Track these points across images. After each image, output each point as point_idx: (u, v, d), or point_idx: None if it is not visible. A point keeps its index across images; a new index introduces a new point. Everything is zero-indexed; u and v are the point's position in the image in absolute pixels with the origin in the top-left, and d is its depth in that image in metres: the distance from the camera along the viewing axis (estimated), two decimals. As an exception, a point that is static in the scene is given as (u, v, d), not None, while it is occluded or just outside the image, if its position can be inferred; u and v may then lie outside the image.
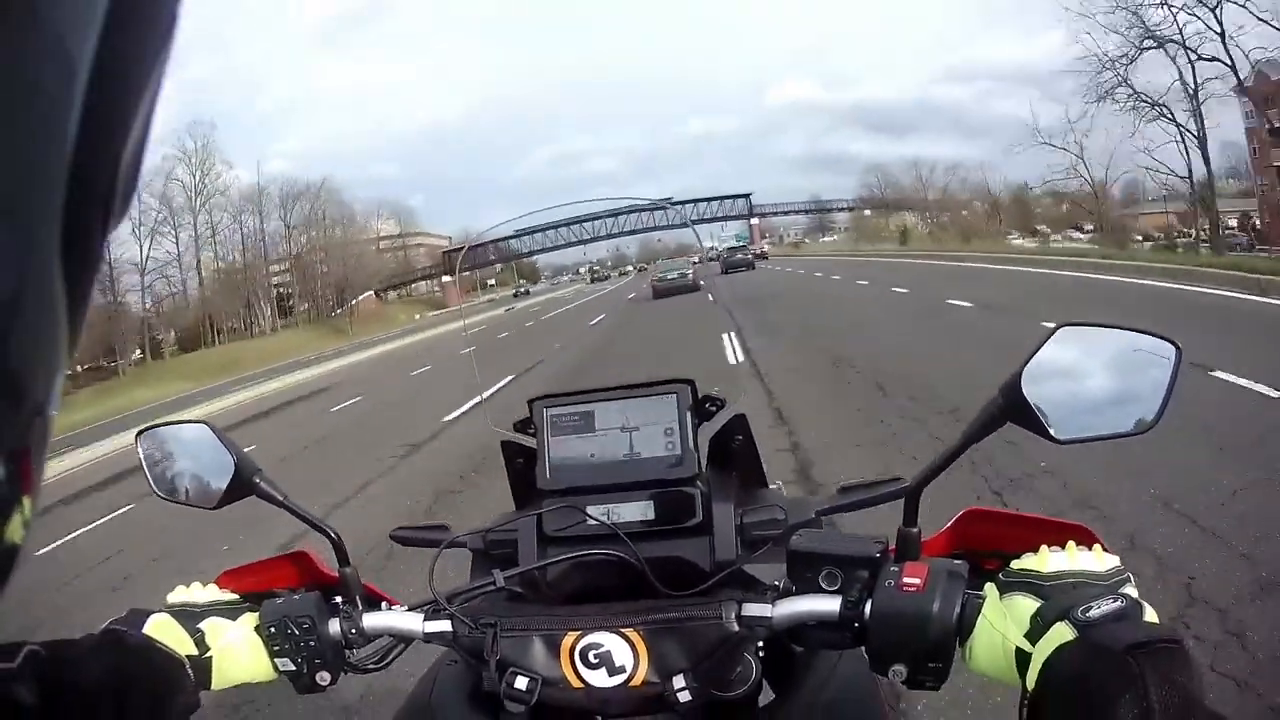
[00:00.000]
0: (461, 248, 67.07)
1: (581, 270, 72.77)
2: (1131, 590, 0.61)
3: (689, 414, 0.84)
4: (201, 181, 49.93)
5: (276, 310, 55.94)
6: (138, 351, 45.90)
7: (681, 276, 22.10)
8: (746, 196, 69.69)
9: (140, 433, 0.89)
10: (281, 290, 57.74)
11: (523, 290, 58.90)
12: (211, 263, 52.35)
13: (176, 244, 48.41)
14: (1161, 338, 0.65)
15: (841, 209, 74.38)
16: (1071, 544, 0.65)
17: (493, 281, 75.42)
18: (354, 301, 62.05)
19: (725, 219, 68.49)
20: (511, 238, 68.55)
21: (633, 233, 65.69)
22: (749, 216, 69.94)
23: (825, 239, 78.56)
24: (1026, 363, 0.65)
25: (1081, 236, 39.61)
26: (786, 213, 72.84)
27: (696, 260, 32.41)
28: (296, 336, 48.21)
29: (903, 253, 33.30)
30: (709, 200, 68.87)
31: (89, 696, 0.64)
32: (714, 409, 0.86)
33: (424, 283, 68.68)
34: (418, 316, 54.30)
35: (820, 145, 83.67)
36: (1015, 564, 0.65)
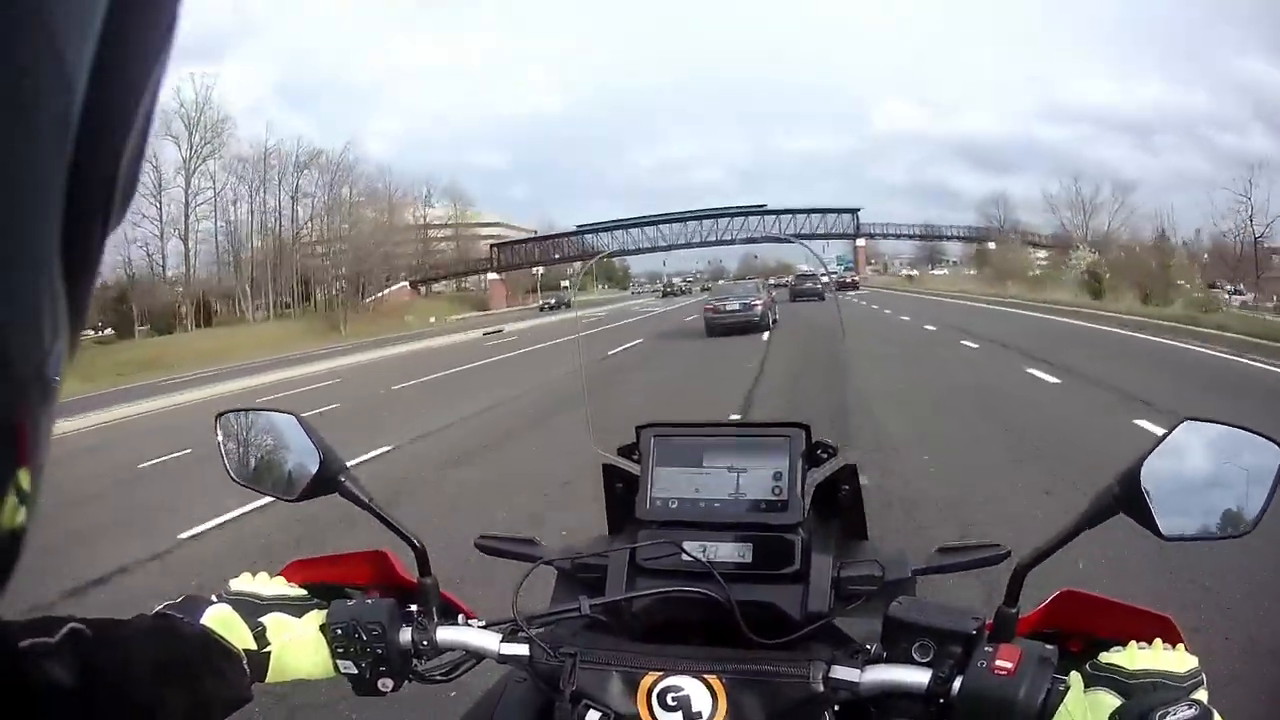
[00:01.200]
0: (511, 241, 58.15)
1: (658, 282, 63.59)
2: (1203, 695, 0.62)
3: (800, 460, 0.83)
4: (200, 139, 42.45)
5: (273, 296, 47.52)
6: (101, 327, 38.30)
7: (745, 309, 15.92)
8: (854, 212, 58.16)
9: (220, 415, 0.86)
10: (298, 273, 49.51)
11: (551, 304, 47.08)
12: (210, 236, 44.70)
13: (159, 211, 40.91)
14: (1270, 439, 0.66)
15: (958, 238, 62.61)
16: (1158, 641, 0.66)
17: (566, 283, 66.40)
18: (383, 293, 53.84)
19: (828, 237, 57.30)
20: (572, 234, 59.37)
21: (722, 243, 55.12)
22: (854, 236, 58.53)
23: (936, 271, 67.72)
24: (1147, 455, 0.65)
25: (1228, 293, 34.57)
26: (897, 235, 61.05)
27: (777, 285, 26.26)
28: (279, 330, 39.57)
29: (1098, 310, 20.11)
30: (810, 212, 57.67)
31: (130, 682, 0.62)
32: (825, 456, 0.85)
33: (482, 277, 59.63)
34: (432, 320, 45.18)
35: (923, 175, 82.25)
36: (1104, 657, 0.66)
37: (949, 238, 62.43)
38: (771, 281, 27.44)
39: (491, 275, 56.35)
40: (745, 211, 56.14)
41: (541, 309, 45.23)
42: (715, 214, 56.17)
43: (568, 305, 43.54)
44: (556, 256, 59.91)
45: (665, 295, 54.94)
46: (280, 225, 47.86)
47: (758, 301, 16.01)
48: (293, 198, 47.44)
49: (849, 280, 50.01)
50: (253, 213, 46.41)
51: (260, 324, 42.67)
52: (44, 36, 0.17)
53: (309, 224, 49.14)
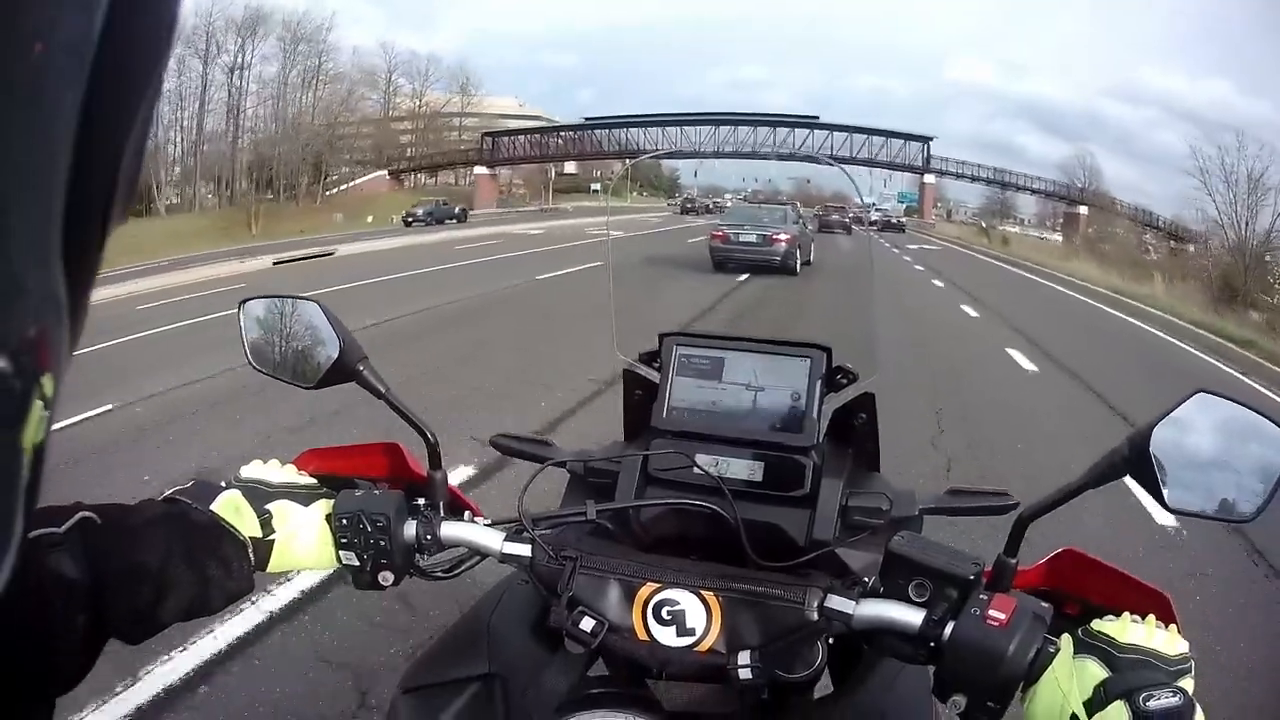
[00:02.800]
0: (506, 132, 48.81)
1: (676, 197, 54.25)
2: (1189, 683, 0.61)
3: (819, 382, 0.82)
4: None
5: (197, 184, 39.63)
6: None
7: (764, 243, 11.69)
8: (925, 141, 47.63)
9: (244, 302, 0.86)
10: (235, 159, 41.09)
11: (419, 217, 33.98)
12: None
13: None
14: None
15: (1044, 193, 52.15)
16: (1151, 618, 0.66)
17: (596, 187, 57.31)
18: (348, 185, 45.46)
19: (890, 166, 47.26)
20: (577, 127, 49.59)
21: (757, 156, 45.42)
22: (923, 170, 48.31)
23: (1006, 228, 58.04)
24: (1159, 420, 0.65)
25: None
26: (973, 178, 50.42)
27: (816, 217, 20.97)
28: (187, 225, 31.37)
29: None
30: (871, 133, 47.34)
31: (137, 571, 0.62)
32: (845, 382, 0.84)
33: (468, 170, 50.79)
34: (369, 219, 36.72)
35: (990, 129, 75.75)
36: (1096, 624, 0.65)
37: (1034, 190, 51.93)
38: (815, 211, 22.95)
39: (479, 169, 47.33)
40: (793, 122, 45.94)
41: (407, 223, 33.09)
42: (754, 120, 46.19)
43: (456, 218, 33.20)
44: (568, 151, 50.71)
45: (685, 212, 45.91)
46: (233, 99, 39.47)
47: (783, 235, 12.04)
48: (233, 70, 38.76)
49: (893, 221, 40.26)
50: (202, 87, 38.07)
51: (173, 217, 34.55)
52: (44, 37, 0.17)
53: (261, 100, 40.61)
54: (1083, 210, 50.41)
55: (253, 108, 42.73)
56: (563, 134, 49.53)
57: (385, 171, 49.28)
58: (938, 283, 15.29)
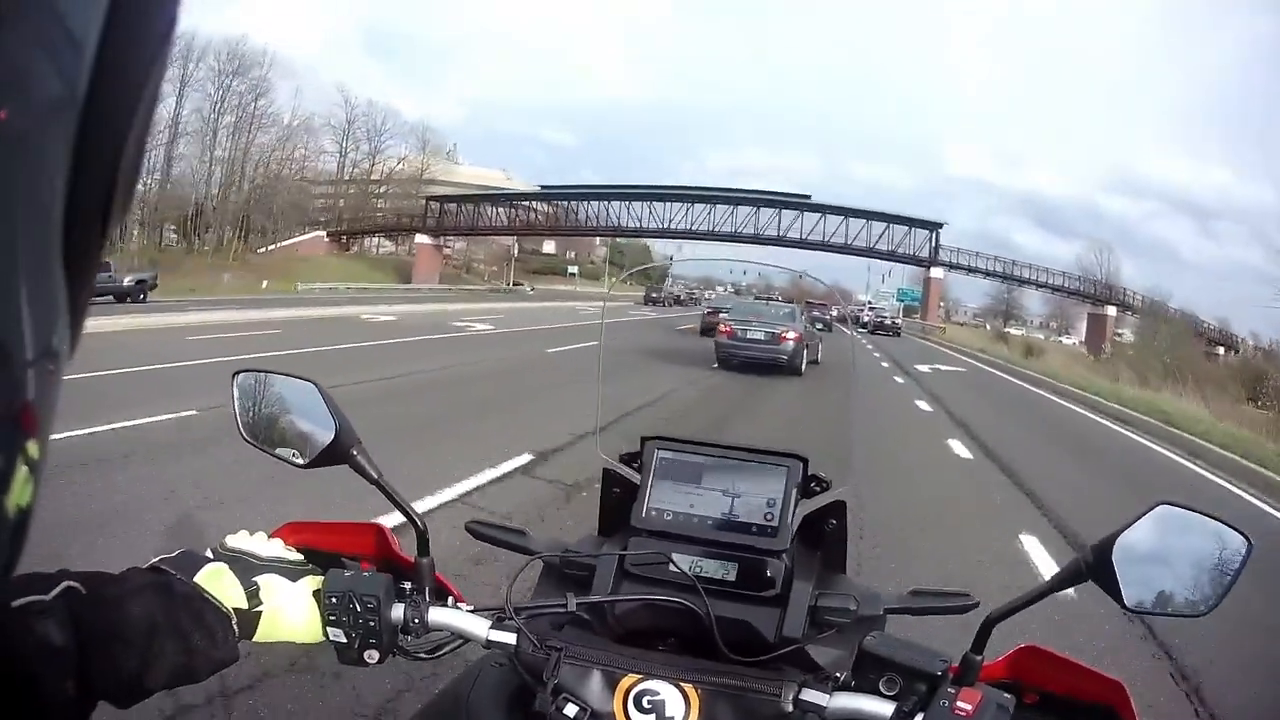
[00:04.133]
0: (450, 198, 43.44)
1: (669, 287, 48.62)
2: None
3: (795, 489, 0.86)
4: None
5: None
6: None
7: (771, 340, 12.21)
8: (934, 228, 41.98)
9: (237, 373, 0.86)
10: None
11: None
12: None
13: None
14: (1239, 531, 0.70)
15: (1072, 293, 46.08)
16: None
17: (573, 269, 51.89)
18: (280, 244, 40.16)
19: (891, 257, 41.43)
20: (534, 196, 43.87)
21: (737, 239, 39.73)
22: (929, 262, 42.45)
23: (1010, 330, 52.06)
24: (1122, 530, 0.70)
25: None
26: (986, 272, 44.73)
27: (822, 316, 20.94)
28: None
29: None
30: (873, 217, 41.67)
31: (122, 640, 0.63)
32: (818, 490, 0.87)
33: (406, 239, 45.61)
34: (264, 285, 31.09)
35: (990, 226, 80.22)
36: None
37: (1056, 288, 45.94)
38: (815, 314, 21.25)
39: (420, 239, 41.82)
40: (782, 202, 40.42)
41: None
42: (736, 199, 40.75)
43: (130, 296, 19.43)
44: (502, 225, 45.52)
45: (648, 302, 40.04)
46: (157, 129, 34.39)
47: (790, 333, 12.21)
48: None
49: (886, 322, 34.25)
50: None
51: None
52: (44, 38, 0.18)
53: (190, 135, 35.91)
54: (1110, 311, 44.36)
55: (184, 145, 37.95)
56: (537, 210, 44.12)
57: (324, 233, 43.97)
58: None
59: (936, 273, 41.93)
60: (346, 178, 46.35)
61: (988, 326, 53.02)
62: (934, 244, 41.35)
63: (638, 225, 41.68)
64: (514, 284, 47.00)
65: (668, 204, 41.49)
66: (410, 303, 26.43)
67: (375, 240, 47.65)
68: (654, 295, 40.74)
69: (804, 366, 12.28)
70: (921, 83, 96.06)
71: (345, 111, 44.37)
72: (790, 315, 13.02)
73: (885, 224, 40.55)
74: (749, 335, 12.36)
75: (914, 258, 41.48)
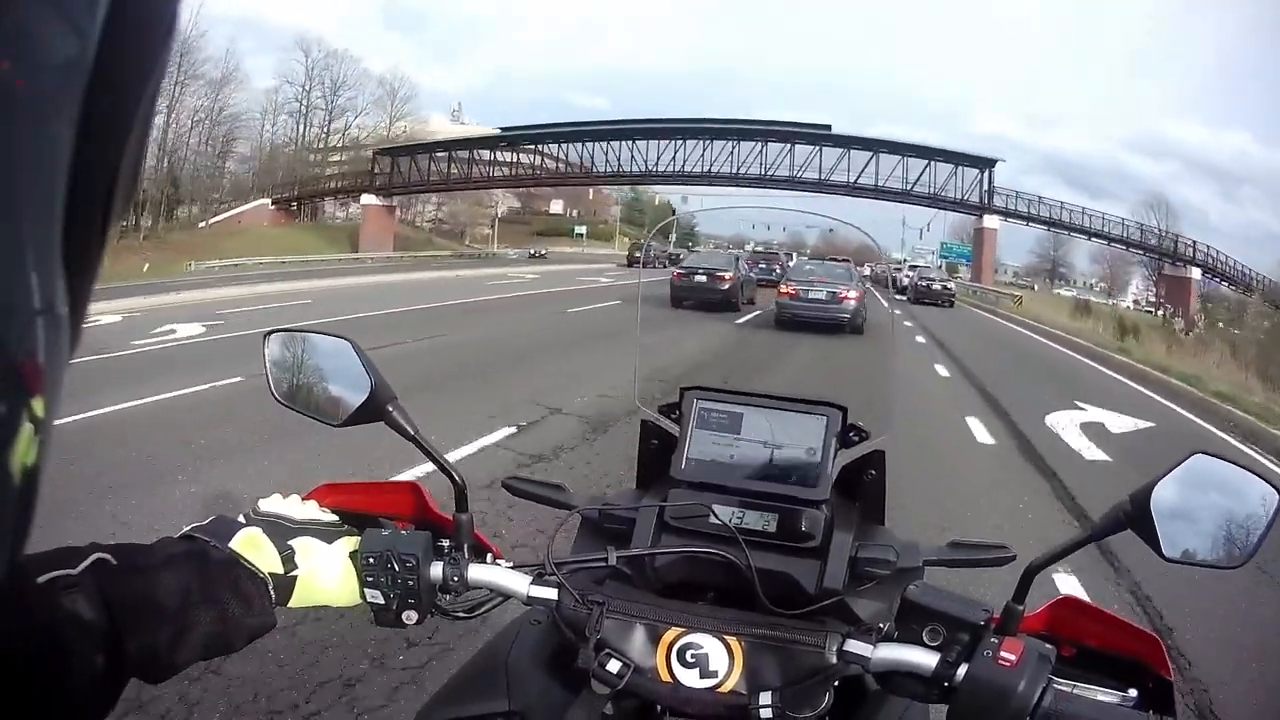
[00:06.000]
0: (402, 149, 37.10)
1: (679, 252, 41.99)
2: None
3: (833, 439, 0.86)
4: None
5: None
6: None
7: (832, 300, 13.28)
8: (987, 166, 34.27)
9: (269, 333, 0.85)
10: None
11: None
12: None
13: None
14: (1271, 483, 0.72)
15: (1142, 247, 38.19)
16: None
17: (580, 230, 45.62)
18: (220, 216, 34.53)
19: (940, 203, 34.06)
20: (494, 140, 36.73)
21: (737, 179, 32.88)
22: (982, 209, 34.79)
23: (1061, 291, 44.41)
24: (1160, 479, 0.71)
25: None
26: (1048, 222, 37.11)
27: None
28: None
29: None
30: (915, 153, 34.13)
31: (154, 610, 0.62)
32: (857, 439, 0.88)
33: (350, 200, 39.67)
34: (145, 269, 25.78)
35: (1021, 185, 71.94)
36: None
37: (1132, 244, 37.96)
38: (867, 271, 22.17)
39: (366, 199, 35.57)
40: (796, 133, 33.12)
41: None
42: (743, 130, 33.55)
43: None
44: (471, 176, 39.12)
45: (631, 264, 33.57)
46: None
47: (852, 293, 13.27)
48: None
49: (935, 286, 25.30)
50: None
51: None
52: (44, 37, 0.18)
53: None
54: (1194, 274, 36.45)
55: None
56: (525, 166, 37.61)
57: (269, 200, 38.08)
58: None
59: (991, 221, 34.07)
60: (306, 140, 40.44)
61: (1035, 288, 45.23)
62: (988, 187, 33.76)
63: (643, 169, 35.04)
64: (496, 250, 40.71)
65: (673, 148, 34.91)
66: (314, 277, 20.58)
67: (335, 208, 41.79)
68: (637, 257, 33.85)
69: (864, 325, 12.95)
70: (948, 48, 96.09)
71: (304, 64, 38.47)
72: (847, 274, 14.10)
73: (926, 160, 33.22)
74: (810, 295, 13.29)
75: (962, 203, 34.06)
